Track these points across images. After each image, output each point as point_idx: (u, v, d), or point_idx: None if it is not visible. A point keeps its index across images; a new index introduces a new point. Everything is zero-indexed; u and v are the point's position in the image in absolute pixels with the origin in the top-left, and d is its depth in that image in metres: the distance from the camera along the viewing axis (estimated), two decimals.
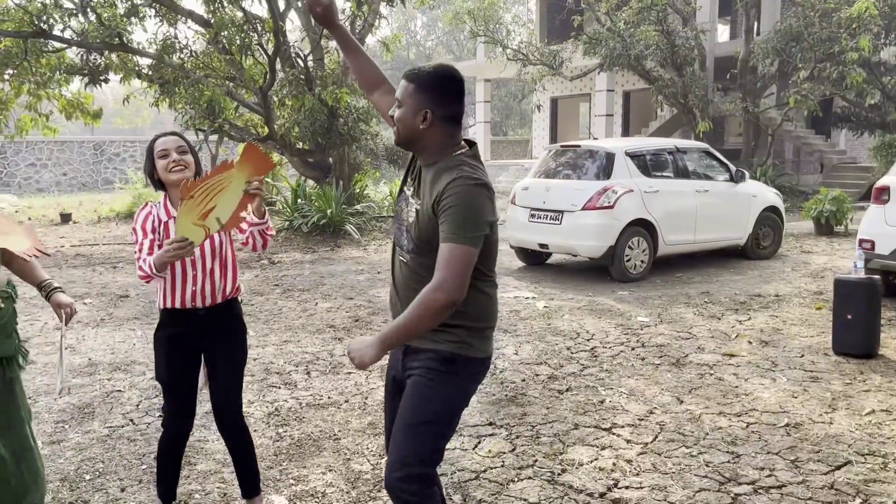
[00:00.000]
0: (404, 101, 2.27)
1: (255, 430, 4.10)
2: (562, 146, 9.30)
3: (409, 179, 2.40)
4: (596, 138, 18.44)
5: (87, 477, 3.56)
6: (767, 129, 17.17)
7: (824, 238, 11.35)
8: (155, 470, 3.19)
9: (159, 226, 2.85)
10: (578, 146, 9.03)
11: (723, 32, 24.91)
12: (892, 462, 3.60)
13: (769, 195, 9.72)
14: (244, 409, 4.36)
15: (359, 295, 7.69)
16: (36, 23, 11.14)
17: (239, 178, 2.65)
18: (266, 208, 2.91)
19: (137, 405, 4.50)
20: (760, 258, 9.50)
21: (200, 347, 2.96)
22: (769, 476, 3.46)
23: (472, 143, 2.32)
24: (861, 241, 6.66)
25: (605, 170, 8.36)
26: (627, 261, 8.24)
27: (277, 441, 3.98)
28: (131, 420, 4.27)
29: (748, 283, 8.07)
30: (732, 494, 3.30)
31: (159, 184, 2.91)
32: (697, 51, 16.57)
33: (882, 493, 3.28)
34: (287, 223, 12.23)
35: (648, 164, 8.61)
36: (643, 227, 8.33)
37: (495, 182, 22.67)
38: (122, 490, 3.42)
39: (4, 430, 2.72)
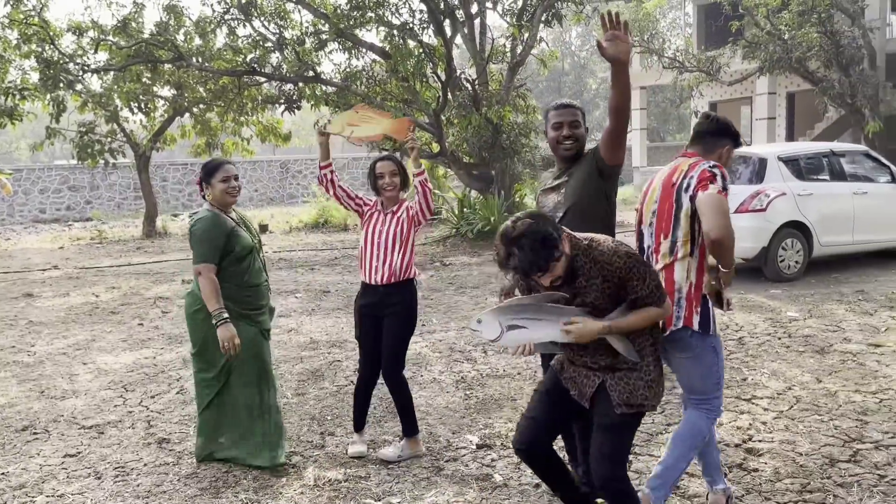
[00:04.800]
0: (581, 124, 3.31)
1: (447, 392, 5.11)
2: None
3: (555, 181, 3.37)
4: (748, 144, 18.22)
5: (328, 418, 4.72)
6: None
7: None
8: (369, 414, 4.26)
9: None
10: None
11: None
12: None
13: None
14: (436, 377, 5.42)
15: None
16: (248, 62, 13.09)
17: (384, 126, 4.00)
18: (423, 170, 3.90)
19: (354, 371, 5.66)
20: None
21: (381, 316, 3.90)
22: (893, 437, 3.97)
23: None
24: None
25: (758, 174, 8.73)
26: (781, 261, 8.56)
27: (466, 400, 4.95)
28: (351, 381, 5.42)
29: None
30: (854, 449, 3.86)
31: (376, 193, 4.00)
32: (866, 49, 16.05)
33: None
34: (454, 230, 13.41)
35: (803, 168, 8.87)
36: (797, 229, 8.61)
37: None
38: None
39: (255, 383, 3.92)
